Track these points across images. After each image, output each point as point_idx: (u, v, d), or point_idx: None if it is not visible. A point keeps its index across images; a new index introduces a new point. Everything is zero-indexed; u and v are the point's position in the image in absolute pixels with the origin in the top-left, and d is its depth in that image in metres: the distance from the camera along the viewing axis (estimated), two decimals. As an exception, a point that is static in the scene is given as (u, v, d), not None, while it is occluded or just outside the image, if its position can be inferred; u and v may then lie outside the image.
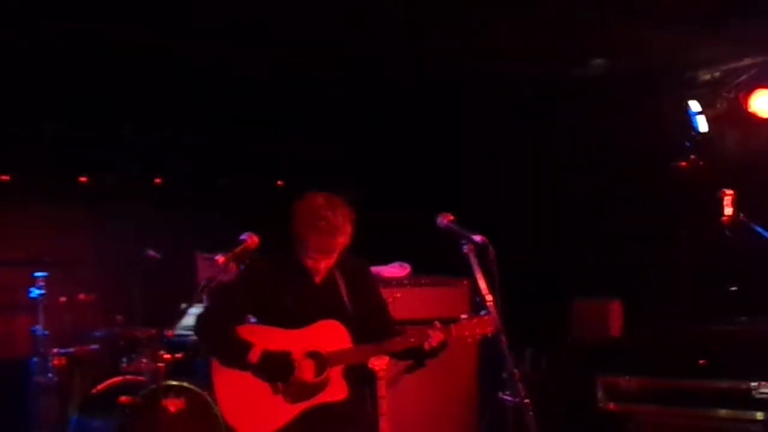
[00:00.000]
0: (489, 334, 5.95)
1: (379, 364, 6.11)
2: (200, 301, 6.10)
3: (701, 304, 8.86)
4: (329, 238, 5.84)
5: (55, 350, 9.11)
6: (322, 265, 5.98)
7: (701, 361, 7.77)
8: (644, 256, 9.56)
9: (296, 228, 5.89)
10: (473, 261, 5.68)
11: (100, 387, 8.75)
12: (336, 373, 5.92)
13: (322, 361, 5.92)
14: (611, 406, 8.12)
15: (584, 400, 8.30)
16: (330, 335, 5.96)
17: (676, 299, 9.15)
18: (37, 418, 9.10)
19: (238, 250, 5.84)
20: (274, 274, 6.07)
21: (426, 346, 5.91)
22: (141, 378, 8.64)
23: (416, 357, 6.11)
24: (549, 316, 9.60)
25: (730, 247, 8.10)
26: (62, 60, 8.73)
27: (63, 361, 9.12)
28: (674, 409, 7.79)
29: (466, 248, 5.72)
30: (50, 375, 9.05)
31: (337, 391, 5.91)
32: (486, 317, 5.93)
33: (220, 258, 5.78)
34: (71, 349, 9.22)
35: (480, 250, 5.67)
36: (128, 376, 8.80)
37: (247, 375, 5.85)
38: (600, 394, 8.17)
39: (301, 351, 5.91)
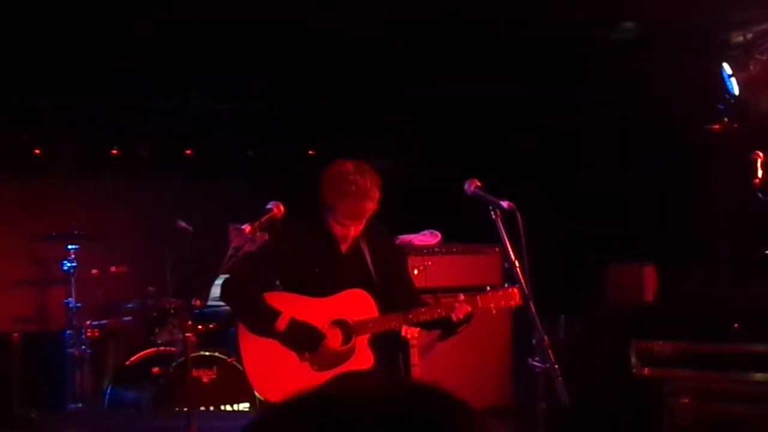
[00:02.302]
0: (513, 307, 5.95)
1: (411, 332, 6.10)
2: (228, 271, 6.08)
3: (735, 268, 8.79)
4: (359, 203, 5.84)
5: (88, 322, 9.15)
6: (351, 232, 5.98)
7: (736, 325, 7.70)
8: (678, 221, 9.49)
9: (325, 195, 5.90)
10: (501, 227, 5.62)
11: (133, 359, 8.80)
12: (362, 342, 5.92)
13: (348, 330, 5.92)
14: (646, 371, 8.06)
15: (619, 366, 8.25)
16: (356, 304, 5.97)
17: (710, 263, 9.08)
18: (72, 389, 9.14)
19: (264, 218, 5.82)
20: (301, 242, 6.08)
21: (453, 317, 5.90)
22: (173, 349, 8.65)
23: (442, 327, 6.11)
24: (583, 281, 9.55)
25: (763, 209, 8.01)
26: (91, 33, 8.73)
27: (96, 333, 9.16)
28: (709, 373, 7.73)
29: (494, 214, 5.66)
30: (84, 347, 9.08)
31: (363, 359, 5.92)
32: (510, 290, 5.93)
33: (246, 227, 5.76)
34: (104, 322, 9.26)
35: (508, 215, 5.62)
36: (161, 348, 8.84)
37: (274, 342, 5.86)
38: (634, 359, 8.10)
39: (328, 319, 5.91)
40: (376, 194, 5.88)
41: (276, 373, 5.85)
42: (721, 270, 8.95)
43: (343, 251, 6.08)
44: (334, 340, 5.91)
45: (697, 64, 9.10)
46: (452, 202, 6.52)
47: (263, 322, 5.88)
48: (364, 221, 5.95)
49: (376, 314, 5.94)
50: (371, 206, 5.88)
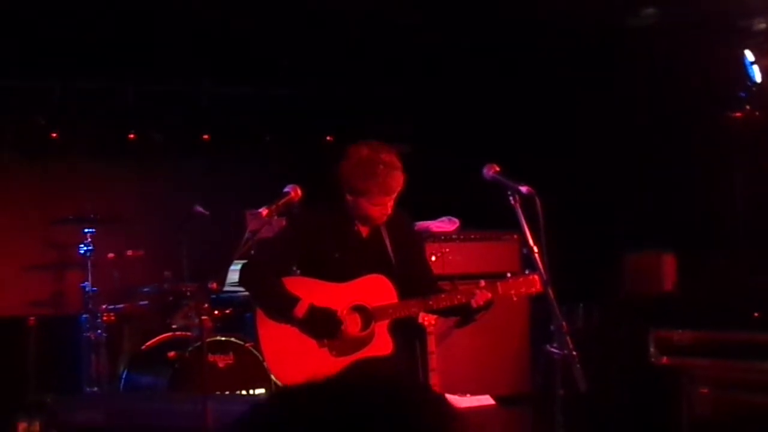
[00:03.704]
0: (534, 294, 5.90)
1: (428, 319, 6.07)
2: (244, 255, 6.04)
3: (755, 256, 8.71)
4: (391, 178, 5.84)
5: (104, 306, 9.13)
6: (389, 209, 5.92)
7: (756, 314, 7.64)
8: (698, 209, 9.42)
9: (355, 182, 5.85)
10: (519, 212, 5.57)
11: (149, 343, 8.76)
12: (381, 328, 5.88)
13: (367, 315, 5.88)
14: (664, 360, 8.00)
15: (637, 355, 8.19)
16: (376, 289, 5.92)
17: (730, 251, 9.00)
18: (88, 374, 9.14)
19: (281, 202, 5.77)
20: (321, 227, 6.04)
21: (473, 304, 5.85)
22: (190, 334, 8.62)
23: (461, 314, 6.06)
24: (601, 270, 9.49)
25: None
26: (107, 18, 8.72)
27: (112, 317, 9.14)
28: (728, 362, 7.66)
29: (512, 199, 5.60)
30: (100, 331, 9.07)
31: (382, 345, 5.87)
32: (531, 276, 5.88)
33: (263, 210, 5.72)
34: (120, 306, 9.24)
35: (526, 201, 5.57)
36: (177, 332, 8.81)
37: (292, 327, 5.82)
38: (653, 348, 8.04)
39: (347, 305, 5.87)
40: (400, 163, 5.88)
41: (294, 358, 5.82)
42: (741, 258, 8.88)
43: (364, 236, 6.03)
44: (353, 325, 5.87)
45: (718, 51, 9.02)
46: (470, 187, 6.47)
47: (282, 308, 5.85)
48: (396, 195, 5.91)
49: (396, 300, 5.90)
50: (400, 176, 5.86)
